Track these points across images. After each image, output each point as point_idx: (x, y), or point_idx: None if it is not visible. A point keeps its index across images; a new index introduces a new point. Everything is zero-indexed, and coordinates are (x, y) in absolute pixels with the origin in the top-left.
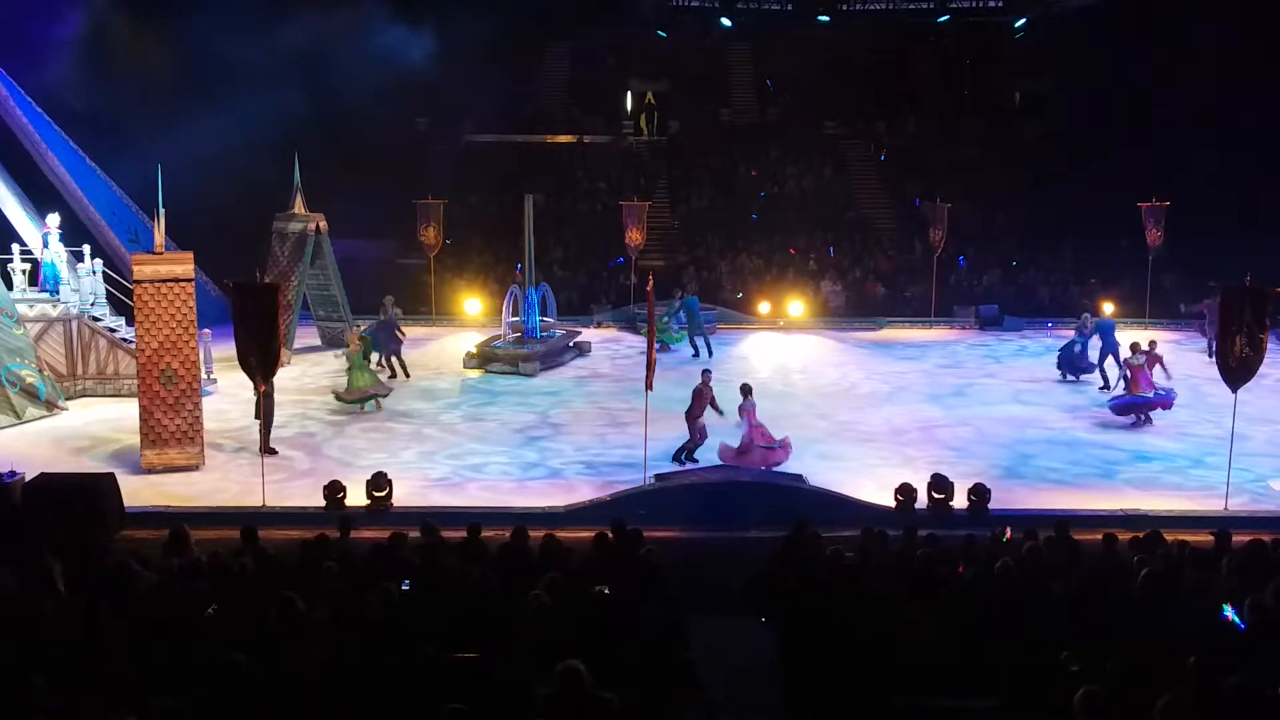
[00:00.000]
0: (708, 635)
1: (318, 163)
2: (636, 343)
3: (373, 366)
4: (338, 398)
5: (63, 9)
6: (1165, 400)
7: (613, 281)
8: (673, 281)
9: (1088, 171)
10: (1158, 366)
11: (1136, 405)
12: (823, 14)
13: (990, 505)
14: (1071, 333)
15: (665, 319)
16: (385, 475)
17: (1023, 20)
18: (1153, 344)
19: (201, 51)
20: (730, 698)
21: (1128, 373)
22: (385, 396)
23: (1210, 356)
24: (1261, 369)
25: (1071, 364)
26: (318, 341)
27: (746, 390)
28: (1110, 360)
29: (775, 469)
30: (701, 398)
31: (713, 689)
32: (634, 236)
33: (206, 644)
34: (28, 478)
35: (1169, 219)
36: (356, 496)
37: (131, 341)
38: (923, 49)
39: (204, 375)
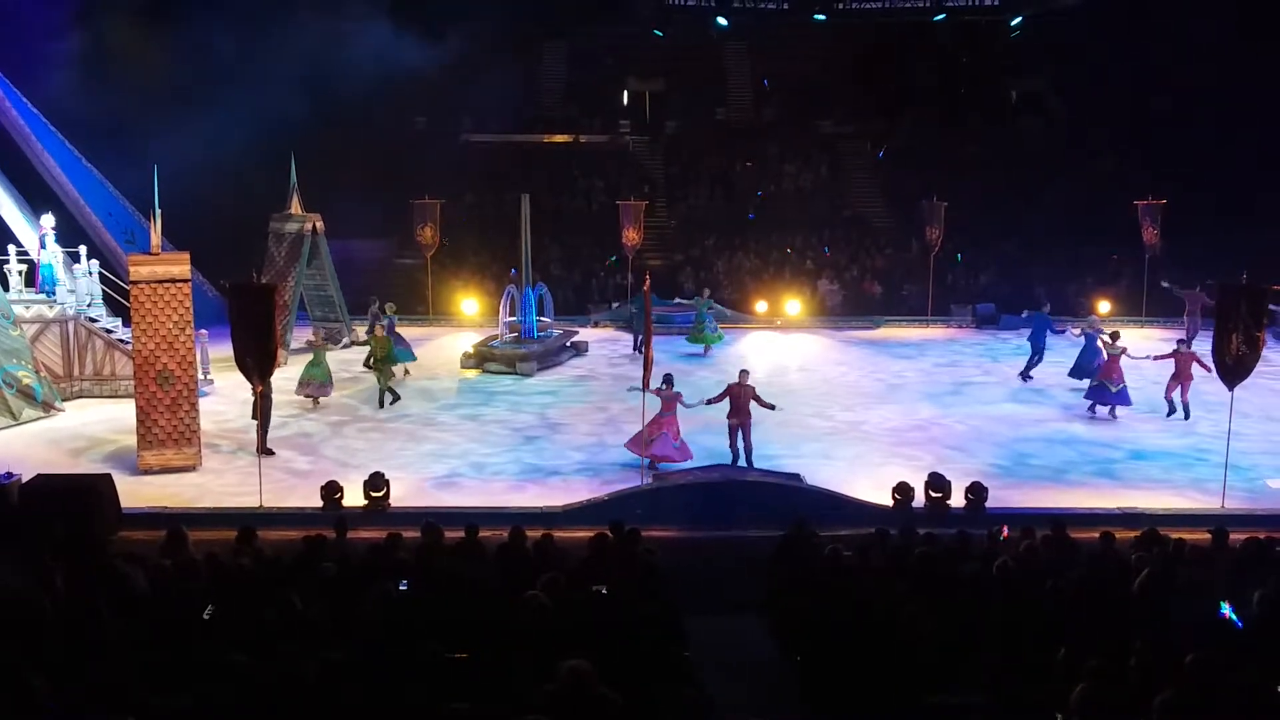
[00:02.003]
0: (705, 634)
1: (314, 162)
2: (634, 342)
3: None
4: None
5: (59, 11)
6: (1122, 400)
7: (610, 281)
8: (669, 281)
9: (1084, 170)
10: (1194, 364)
11: (1102, 397)
12: (819, 13)
13: (988, 504)
14: (1078, 334)
15: (699, 322)
16: (383, 475)
17: (1019, 19)
18: (1115, 334)
19: (198, 52)
20: (727, 696)
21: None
22: (320, 397)
23: (1188, 347)
24: (1258, 367)
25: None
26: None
27: (670, 380)
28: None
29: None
30: (743, 395)
31: (709, 687)
32: (631, 236)
33: (205, 644)
34: (25, 479)
35: (1165, 217)
36: (354, 497)
37: (128, 342)
38: (919, 48)
39: (201, 376)
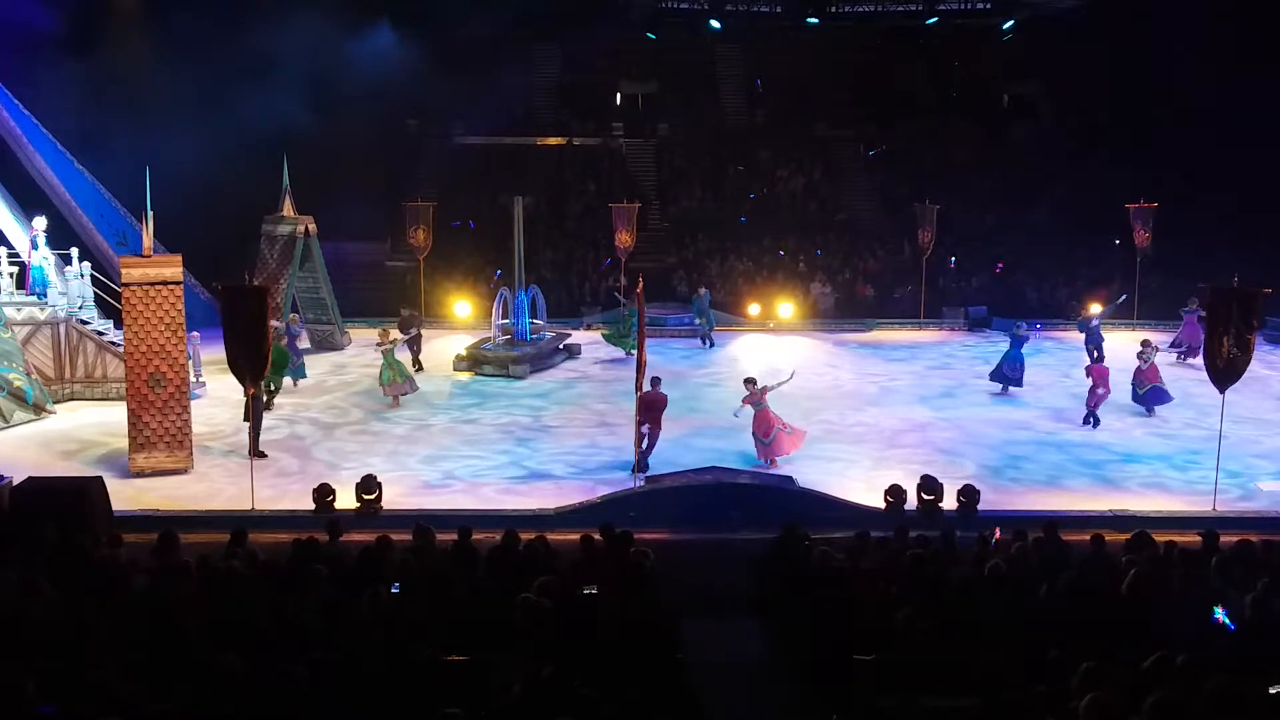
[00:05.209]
0: (698, 636)
1: (307, 165)
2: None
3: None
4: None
5: (50, 12)
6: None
7: (602, 284)
8: (662, 283)
9: (1076, 173)
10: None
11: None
12: (812, 16)
13: (979, 506)
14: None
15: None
16: (375, 478)
17: (1010, 22)
18: (1146, 342)
19: (190, 53)
20: (720, 699)
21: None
22: (406, 394)
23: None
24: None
25: (1007, 375)
26: (307, 344)
27: (753, 381)
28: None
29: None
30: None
31: (701, 689)
32: (623, 238)
33: (197, 647)
34: (16, 482)
35: (1157, 220)
36: (346, 499)
37: (120, 344)
38: (911, 51)
39: (193, 378)
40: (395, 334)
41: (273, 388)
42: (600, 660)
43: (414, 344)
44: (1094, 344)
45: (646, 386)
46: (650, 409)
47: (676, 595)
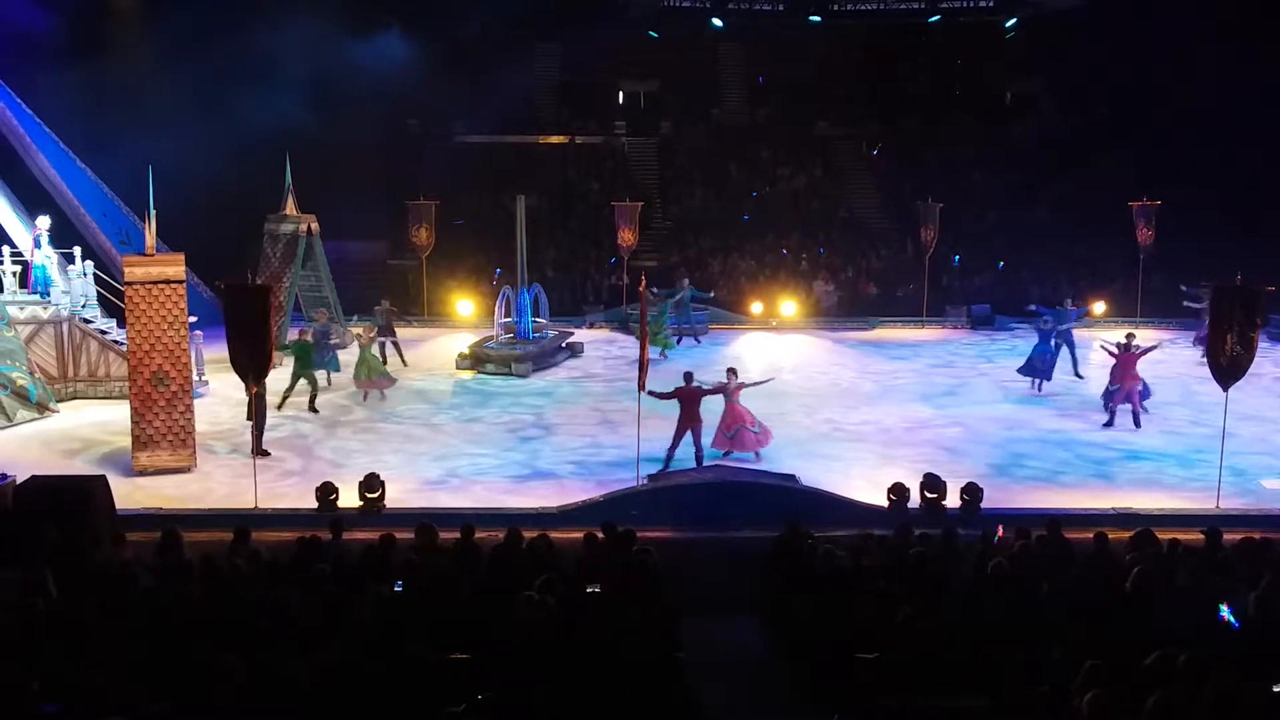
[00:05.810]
0: (699, 635)
1: (309, 164)
2: (629, 343)
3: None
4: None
5: (51, 14)
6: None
7: (605, 282)
8: (665, 282)
9: (1079, 171)
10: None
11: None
12: (814, 14)
13: (982, 504)
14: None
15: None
16: (378, 476)
17: (1013, 20)
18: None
19: (192, 54)
20: (722, 698)
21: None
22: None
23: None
24: (1252, 367)
25: (1037, 367)
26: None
27: (732, 373)
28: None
29: (761, 462)
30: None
31: (703, 688)
32: (626, 237)
33: (198, 646)
34: (19, 480)
35: (1160, 218)
36: (349, 498)
37: (123, 343)
38: (914, 49)
39: (196, 377)
40: (373, 333)
41: (305, 383)
42: (601, 658)
43: (394, 340)
44: (1066, 340)
45: (680, 382)
46: (690, 403)
47: (678, 593)
